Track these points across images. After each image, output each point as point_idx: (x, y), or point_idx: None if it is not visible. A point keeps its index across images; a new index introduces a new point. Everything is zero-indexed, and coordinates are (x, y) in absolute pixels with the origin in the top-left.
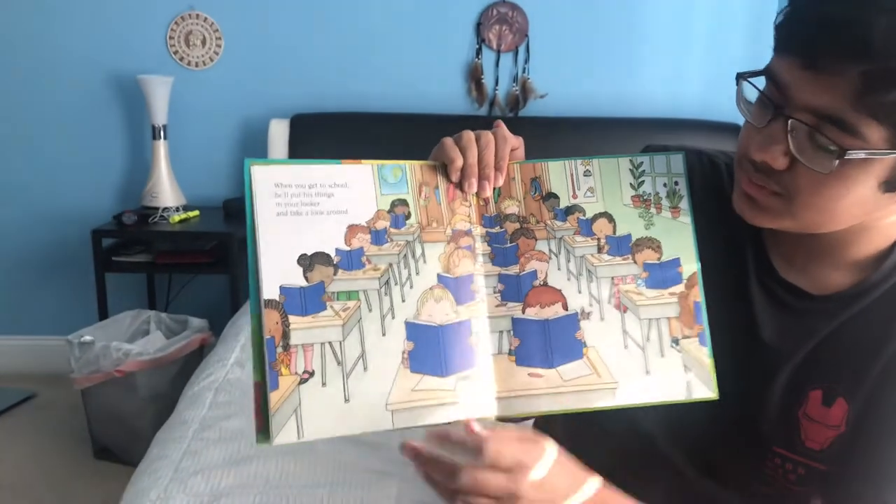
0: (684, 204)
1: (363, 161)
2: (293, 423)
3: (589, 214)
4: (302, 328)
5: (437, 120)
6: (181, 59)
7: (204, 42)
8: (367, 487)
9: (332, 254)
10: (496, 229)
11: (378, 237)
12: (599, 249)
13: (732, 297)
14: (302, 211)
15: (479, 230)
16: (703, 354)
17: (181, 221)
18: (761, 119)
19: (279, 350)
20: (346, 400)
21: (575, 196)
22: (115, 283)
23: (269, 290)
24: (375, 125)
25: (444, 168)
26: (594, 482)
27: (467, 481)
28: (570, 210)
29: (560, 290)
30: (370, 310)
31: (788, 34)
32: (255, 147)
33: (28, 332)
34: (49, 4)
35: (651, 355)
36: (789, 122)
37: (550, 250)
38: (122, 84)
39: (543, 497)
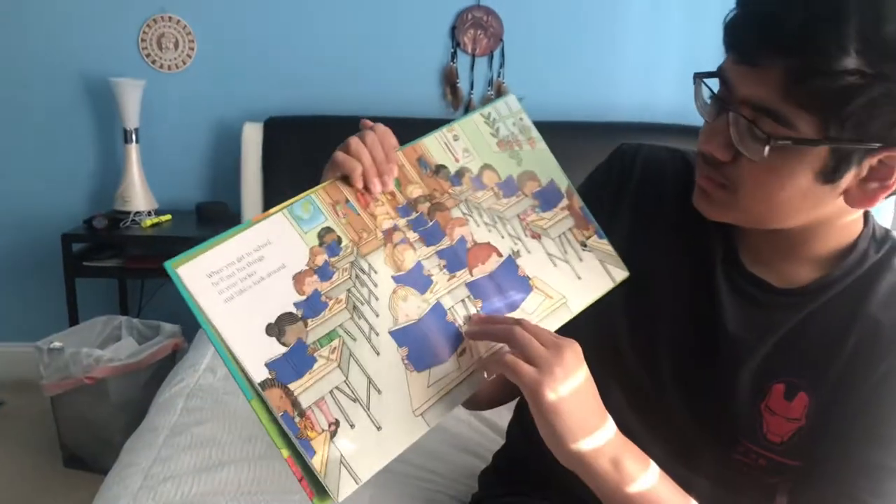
0: (534, 133)
1: (271, 212)
2: (346, 473)
3: (475, 172)
4: (306, 389)
5: (411, 124)
6: (153, 61)
7: (176, 45)
8: None
9: (294, 310)
10: (413, 215)
11: (324, 273)
12: (497, 197)
13: (699, 289)
14: (244, 287)
15: (401, 222)
16: (606, 245)
17: (153, 226)
18: (712, 114)
19: (297, 419)
20: (379, 428)
21: (457, 160)
22: (86, 289)
23: (258, 373)
24: (350, 128)
25: (345, 180)
26: (612, 424)
27: (518, 335)
28: (459, 173)
29: (489, 243)
30: (354, 339)
31: (730, 32)
32: (228, 150)
33: None
34: (19, 6)
35: (574, 263)
36: (730, 115)
37: (464, 213)
38: (93, 87)
39: (572, 395)
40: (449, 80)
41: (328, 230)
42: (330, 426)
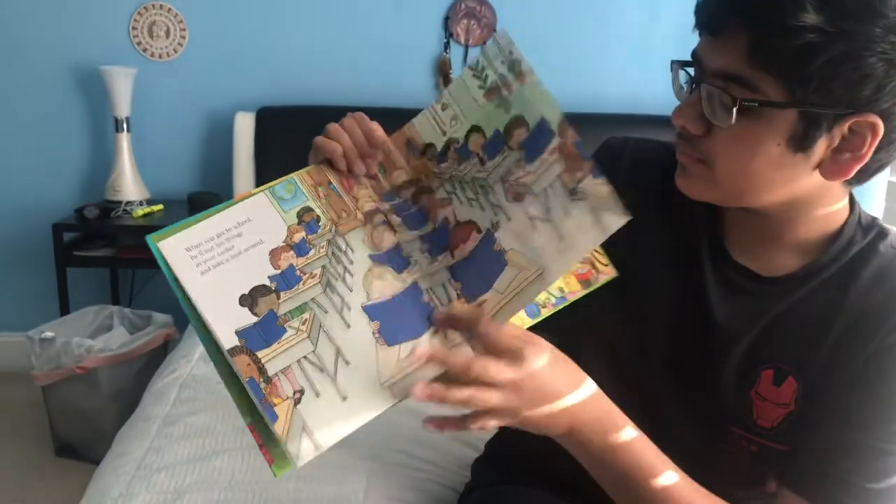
0: (524, 65)
1: (253, 191)
2: (307, 440)
3: (461, 139)
4: (274, 357)
5: (404, 114)
6: (144, 50)
7: (168, 33)
8: (336, 482)
9: (268, 282)
10: (396, 200)
11: (300, 249)
12: (482, 163)
13: (687, 278)
14: (222, 260)
15: (385, 206)
16: (602, 185)
17: (145, 215)
18: (687, 94)
19: (262, 385)
20: (344, 398)
21: (444, 133)
22: (77, 278)
23: (228, 340)
24: (342, 118)
25: (328, 163)
26: (591, 384)
27: (473, 371)
28: (445, 148)
29: (469, 220)
30: (326, 312)
31: (697, 13)
32: (220, 140)
33: None
34: None
35: (558, 221)
36: (702, 87)
37: (448, 192)
38: (83, 75)
39: (543, 390)
40: (442, 70)
41: (307, 209)
42: (295, 394)
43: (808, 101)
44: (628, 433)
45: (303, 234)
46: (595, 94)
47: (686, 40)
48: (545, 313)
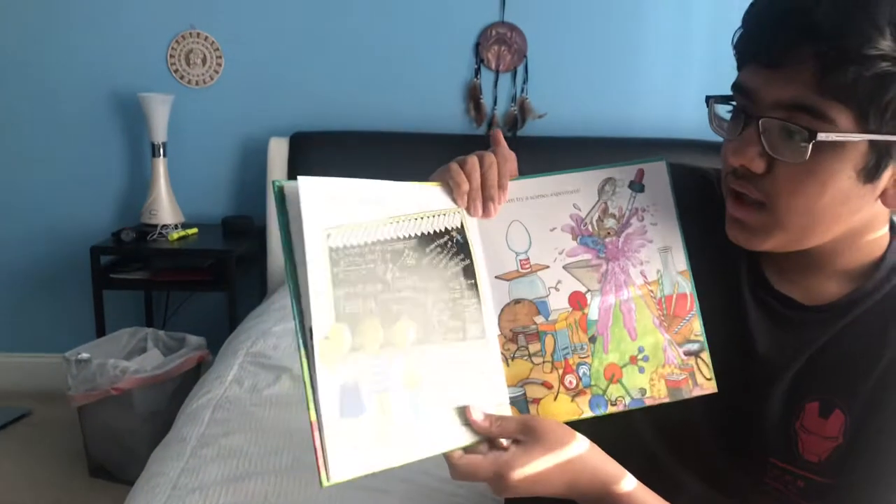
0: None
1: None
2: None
3: None
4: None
5: (435, 139)
6: (181, 77)
7: (204, 61)
8: None
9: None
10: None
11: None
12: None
13: (727, 311)
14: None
15: None
16: None
17: (180, 239)
18: (735, 131)
19: None
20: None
21: None
22: (113, 301)
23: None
24: (375, 144)
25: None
26: (583, 440)
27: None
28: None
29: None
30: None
31: (745, 44)
32: (254, 165)
33: (24, 349)
34: (52, 22)
35: None
36: (760, 122)
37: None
38: (122, 102)
39: (532, 487)
40: (472, 95)
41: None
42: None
43: (882, 130)
44: (627, 484)
45: None
46: (627, 118)
47: (718, 65)
48: (612, 411)
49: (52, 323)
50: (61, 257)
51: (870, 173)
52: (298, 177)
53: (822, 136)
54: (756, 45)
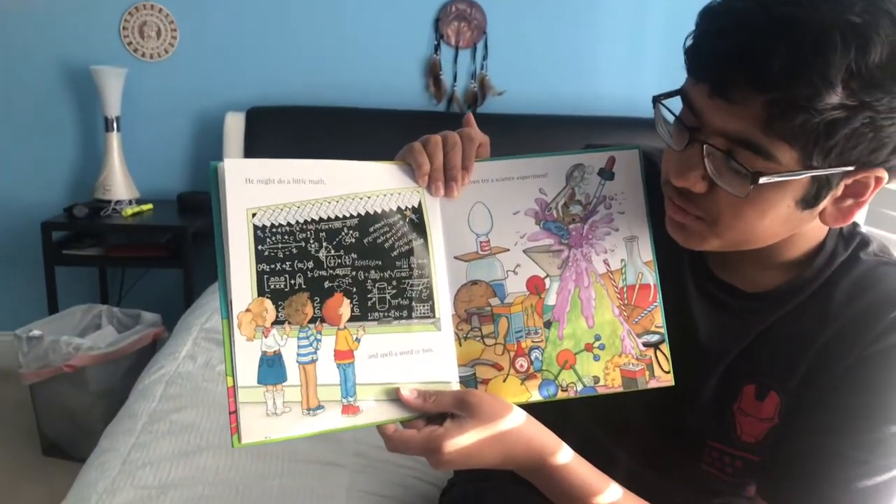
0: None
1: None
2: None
3: None
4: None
5: (394, 115)
6: (135, 50)
7: (159, 33)
8: (319, 478)
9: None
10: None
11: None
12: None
13: (669, 299)
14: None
15: None
16: None
17: (134, 215)
18: (680, 142)
19: None
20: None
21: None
22: (66, 277)
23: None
24: (333, 119)
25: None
26: (519, 412)
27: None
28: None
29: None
30: None
31: (696, 61)
32: (210, 140)
33: None
34: None
35: None
36: (704, 147)
37: None
38: (74, 75)
39: (466, 460)
40: (432, 72)
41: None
42: None
43: (824, 166)
44: (564, 455)
45: None
46: (586, 96)
47: (677, 43)
48: (562, 397)
49: (3, 300)
50: (12, 234)
51: (810, 202)
52: (225, 159)
53: (764, 180)
54: (705, 72)
